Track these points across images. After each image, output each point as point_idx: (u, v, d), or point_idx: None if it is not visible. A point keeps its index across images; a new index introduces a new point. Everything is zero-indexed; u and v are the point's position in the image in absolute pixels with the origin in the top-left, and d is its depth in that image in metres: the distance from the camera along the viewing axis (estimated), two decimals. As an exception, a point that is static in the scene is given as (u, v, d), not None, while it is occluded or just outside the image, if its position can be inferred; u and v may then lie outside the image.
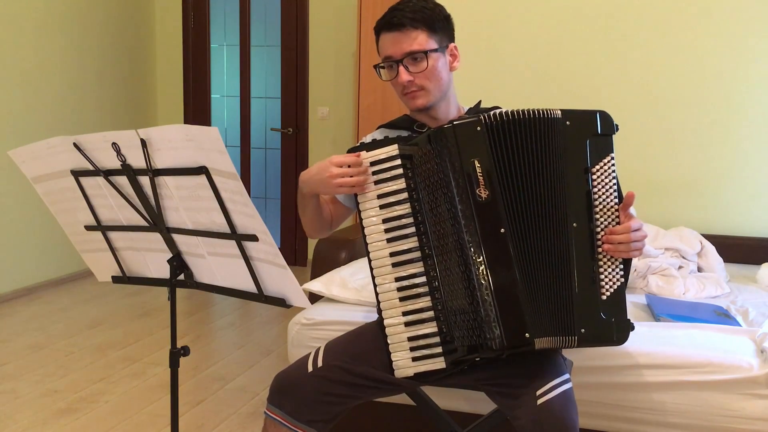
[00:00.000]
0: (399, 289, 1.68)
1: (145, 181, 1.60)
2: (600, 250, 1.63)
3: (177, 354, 1.74)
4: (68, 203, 1.77)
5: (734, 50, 3.41)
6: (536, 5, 3.67)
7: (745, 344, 2.08)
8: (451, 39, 1.85)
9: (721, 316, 2.39)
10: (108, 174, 1.63)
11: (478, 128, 1.62)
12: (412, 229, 1.68)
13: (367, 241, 1.71)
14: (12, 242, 4.50)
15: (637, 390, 2.04)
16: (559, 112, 1.64)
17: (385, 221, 1.69)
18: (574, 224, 1.62)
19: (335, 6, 5.25)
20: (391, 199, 1.69)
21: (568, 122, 1.63)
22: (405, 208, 1.68)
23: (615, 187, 1.65)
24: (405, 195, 1.68)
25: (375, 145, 1.72)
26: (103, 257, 1.86)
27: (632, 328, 1.64)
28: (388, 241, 1.69)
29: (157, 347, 3.59)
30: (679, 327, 2.23)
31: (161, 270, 1.77)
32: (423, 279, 1.67)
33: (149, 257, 1.78)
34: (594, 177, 1.63)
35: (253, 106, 5.67)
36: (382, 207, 1.70)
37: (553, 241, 1.62)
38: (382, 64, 1.82)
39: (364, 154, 1.71)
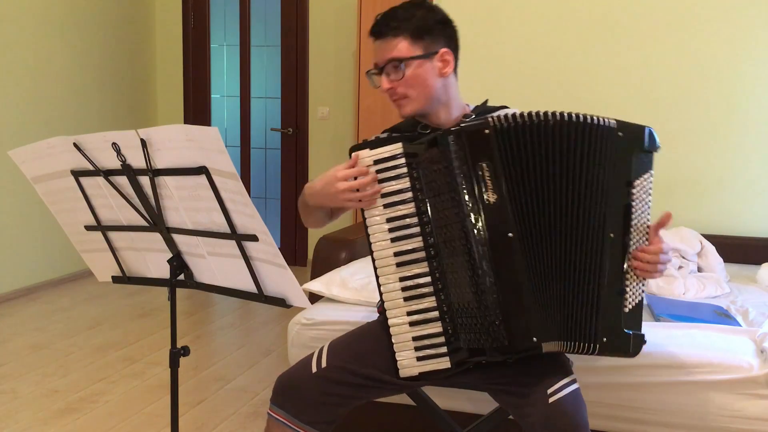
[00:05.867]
0: (403, 289, 1.67)
1: (145, 181, 1.60)
2: (629, 264, 1.63)
3: (177, 354, 1.74)
4: (68, 203, 1.77)
5: (734, 50, 3.41)
6: (536, 5, 3.67)
7: (745, 344, 2.08)
8: (447, 44, 1.76)
9: (721, 316, 2.39)
10: (108, 174, 1.63)
11: (486, 131, 1.60)
12: (417, 229, 1.66)
13: (371, 241, 1.69)
14: (12, 242, 4.50)
15: (637, 390, 2.04)
16: (614, 121, 1.62)
17: (389, 221, 1.67)
18: (611, 235, 1.61)
19: (335, 6, 5.25)
20: (395, 198, 1.67)
21: (620, 133, 1.62)
22: (409, 208, 1.67)
23: (650, 204, 1.64)
24: (409, 194, 1.66)
25: (378, 143, 1.69)
26: (103, 257, 1.86)
27: (645, 342, 1.64)
28: (392, 240, 1.67)
29: (157, 347, 3.59)
30: (679, 327, 2.23)
31: (161, 270, 1.77)
32: (428, 279, 1.66)
33: (149, 257, 1.78)
34: (634, 191, 1.62)
35: (253, 106, 5.67)
36: (386, 206, 1.68)
37: (581, 249, 1.61)
38: (373, 71, 1.80)
39: (366, 152, 1.68)
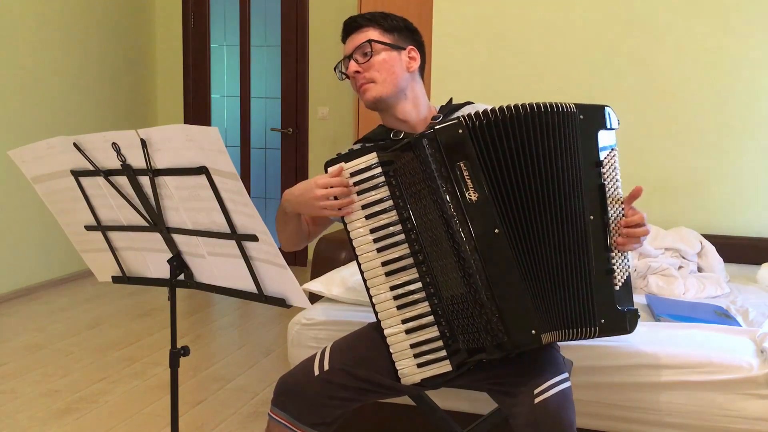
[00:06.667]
0: (395, 298, 1.68)
1: (145, 181, 1.60)
2: (612, 241, 1.64)
3: (177, 354, 1.74)
4: (68, 203, 1.77)
5: (734, 50, 3.41)
6: (537, 5, 3.67)
7: (745, 344, 2.08)
8: (413, 45, 1.86)
9: (721, 316, 2.39)
10: (108, 174, 1.63)
11: (460, 131, 1.61)
12: (402, 237, 1.66)
13: (357, 253, 1.69)
14: (12, 242, 4.50)
15: (637, 390, 2.04)
16: (573, 105, 1.65)
17: (372, 231, 1.67)
18: (591, 217, 1.63)
19: (335, 6, 5.25)
20: (376, 208, 1.67)
21: (581, 116, 1.64)
22: (391, 216, 1.66)
23: (619, 179, 1.67)
24: (390, 203, 1.66)
25: (353, 155, 1.69)
26: (103, 257, 1.86)
27: (638, 316, 1.67)
28: (378, 251, 1.67)
29: (157, 347, 3.59)
30: (679, 327, 2.23)
31: (161, 270, 1.77)
32: (419, 285, 1.66)
33: (149, 257, 1.78)
34: (603, 170, 1.64)
35: (253, 106, 5.67)
36: (367, 217, 1.67)
37: (567, 235, 1.62)
38: (341, 68, 1.85)
39: (343, 165, 1.68)
